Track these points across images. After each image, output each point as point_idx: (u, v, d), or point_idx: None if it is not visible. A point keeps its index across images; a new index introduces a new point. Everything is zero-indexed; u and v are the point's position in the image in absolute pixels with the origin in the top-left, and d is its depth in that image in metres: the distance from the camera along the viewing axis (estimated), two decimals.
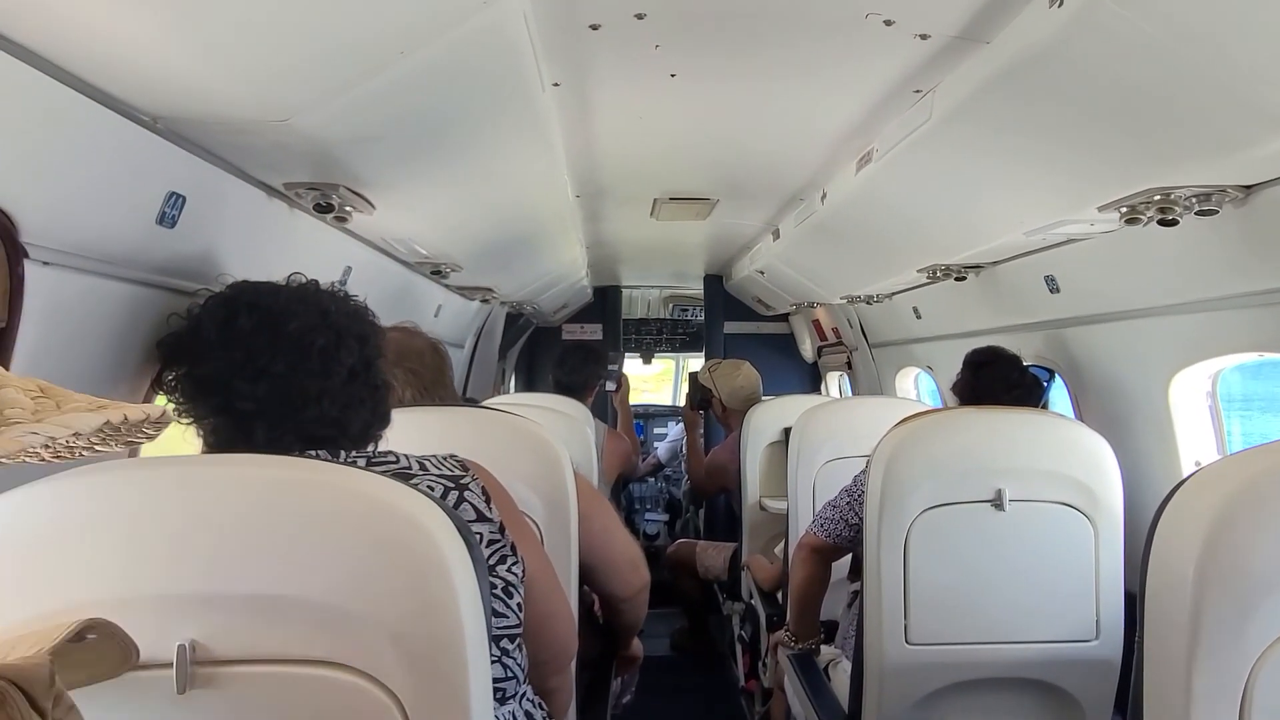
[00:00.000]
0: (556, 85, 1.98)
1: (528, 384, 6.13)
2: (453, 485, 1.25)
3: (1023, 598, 2.09)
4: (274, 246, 1.86)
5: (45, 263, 1.19)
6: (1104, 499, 2.09)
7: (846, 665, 2.40)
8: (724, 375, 4.22)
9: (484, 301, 4.12)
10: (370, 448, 1.31)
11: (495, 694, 1.23)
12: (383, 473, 1.15)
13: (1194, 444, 2.24)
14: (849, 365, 5.10)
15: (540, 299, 4.82)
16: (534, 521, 1.67)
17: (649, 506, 6.06)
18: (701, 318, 6.36)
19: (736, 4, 1.60)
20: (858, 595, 2.38)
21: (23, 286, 1.15)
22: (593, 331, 6.25)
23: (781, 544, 3.32)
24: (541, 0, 1.52)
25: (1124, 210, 1.72)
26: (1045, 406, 2.62)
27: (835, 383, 5.73)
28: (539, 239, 3.45)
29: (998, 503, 2.06)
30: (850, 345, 4.97)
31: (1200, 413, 2.22)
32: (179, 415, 1.23)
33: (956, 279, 2.88)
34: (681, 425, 5.27)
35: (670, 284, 6.79)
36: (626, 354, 6.33)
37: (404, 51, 1.31)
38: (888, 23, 1.61)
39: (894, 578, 2.08)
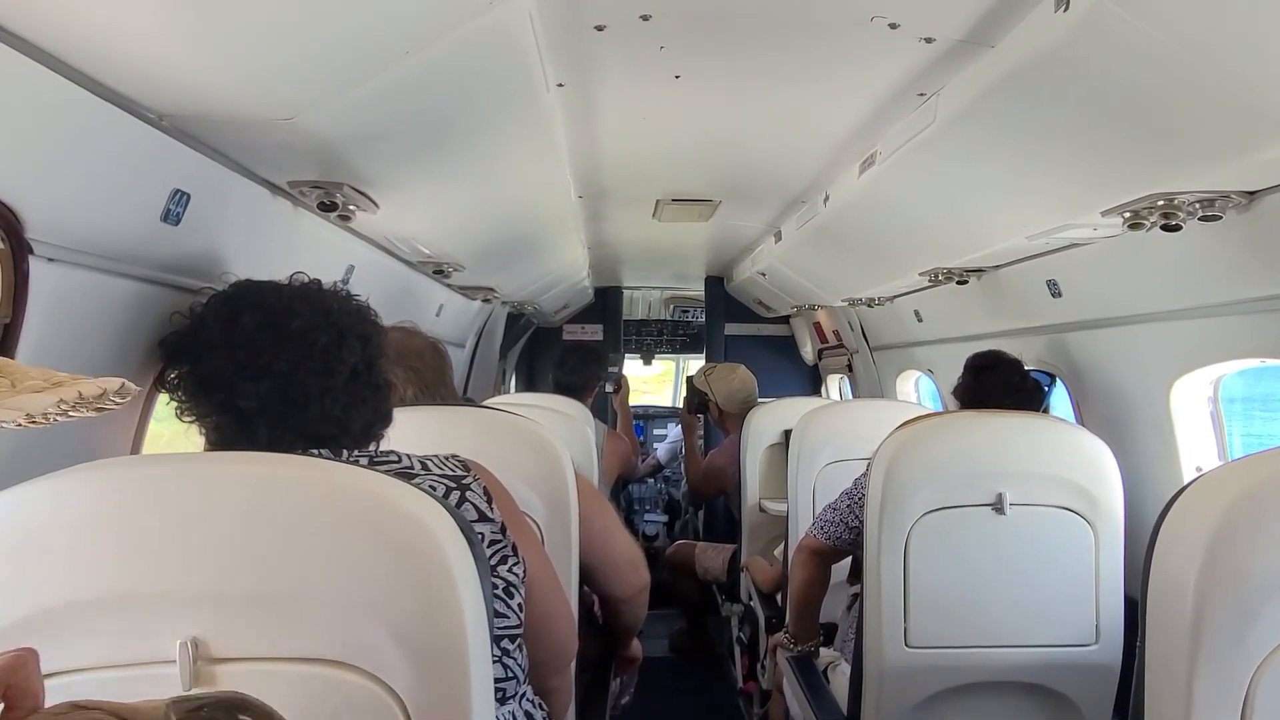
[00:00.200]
0: (561, 85, 1.98)
1: (528, 384, 6.13)
2: (455, 485, 1.25)
3: (1023, 602, 2.09)
4: (277, 245, 1.86)
5: (50, 259, 1.19)
6: (1104, 504, 2.09)
7: (845, 668, 2.40)
8: (719, 379, 4.24)
9: (485, 301, 4.12)
10: (372, 447, 1.31)
11: (495, 694, 1.23)
12: (385, 472, 1.15)
13: (1195, 450, 2.24)
14: (849, 368, 5.10)
15: (541, 299, 4.83)
16: (534, 521, 1.68)
17: (648, 507, 6.06)
18: (702, 319, 6.36)
19: (741, 6, 1.60)
20: (857, 598, 2.38)
21: (27, 283, 1.15)
22: (593, 332, 6.25)
23: (781, 546, 3.33)
24: (547, 0, 1.52)
25: (1127, 215, 1.72)
26: (1046, 411, 2.62)
27: (836, 385, 5.73)
28: (541, 239, 3.45)
29: (998, 506, 2.06)
30: (851, 348, 4.97)
31: (1201, 418, 2.22)
32: (181, 414, 1.24)
33: (958, 282, 2.88)
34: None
35: (671, 285, 6.78)
36: (627, 355, 6.34)
37: (409, 50, 1.31)
38: (893, 26, 1.61)
39: (894, 581, 2.08)
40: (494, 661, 1.14)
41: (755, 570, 3.49)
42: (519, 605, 1.28)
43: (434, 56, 1.36)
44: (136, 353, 1.43)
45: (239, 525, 0.92)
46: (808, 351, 5.93)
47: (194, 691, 0.65)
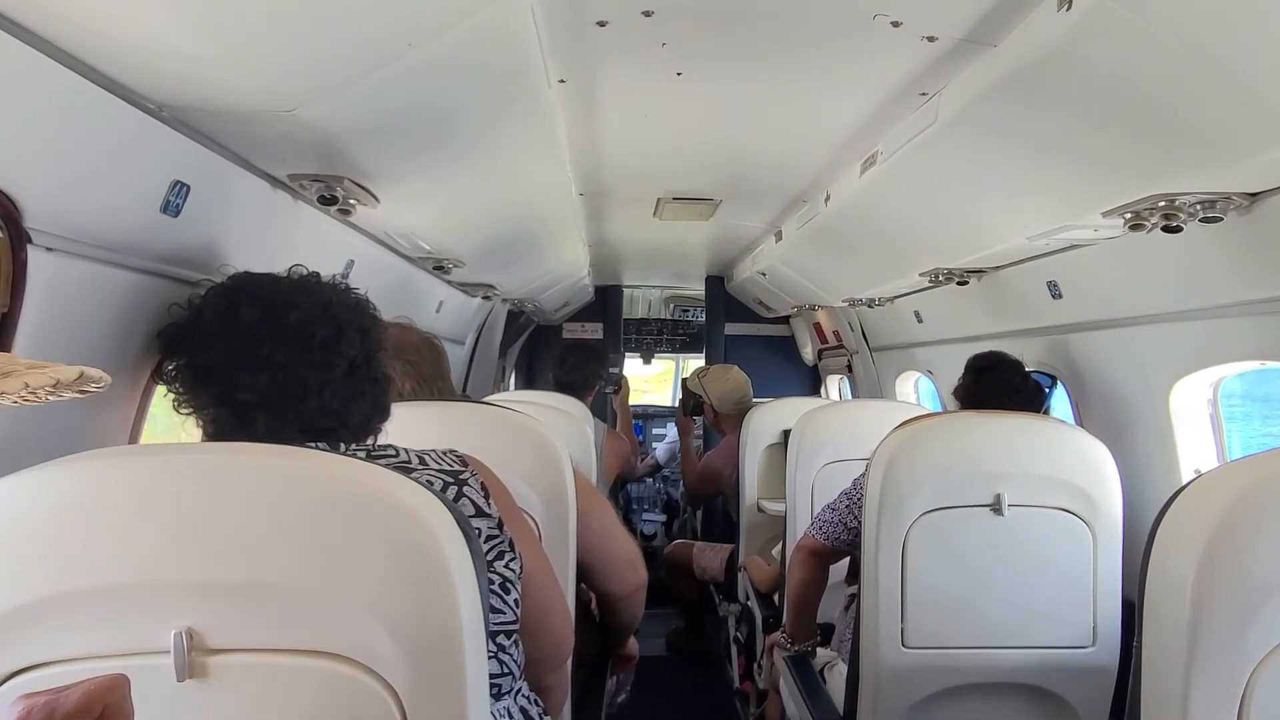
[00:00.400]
0: (562, 82, 1.98)
1: (527, 382, 6.14)
2: (452, 480, 1.24)
3: (1020, 603, 2.09)
4: (277, 238, 1.86)
5: (48, 249, 1.19)
6: (1103, 505, 2.09)
7: (842, 668, 2.40)
8: (713, 380, 4.25)
9: (485, 298, 4.12)
10: (370, 440, 1.31)
11: (491, 689, 1.22)
12: (382, 465, 1.15)
13: (1194, 452, 2.24)
14: (849, 368, 5.10)
15: (541, 297, 4.83)
16: (532, 518, 1.67)
17: (646, 507, 6.06)
18: (702, 319, 6.36)
19: (744, 4, 1.59)
20: (855, 598, 2.38)
21: (25, 272, 1.15)
22: (593, 330, 6.26)
23: (779, 546, 3.32)
24: None
25: (1128, 216, 1.72)
26: (1046, 412, 2.62)
27: (835, 386, 5.73)
28: (542, 237, 3.45)
29: (997, 507, 2.06)
30: (851, 348, 4.97)
31: (1201, 420, 2.22)
32: (178, 406, 1.23)
33: (959, 283, 2.88)
34: None
35: (671, 284, 6.79)
36: (626, 354, 6.34)
37: (411, 44, 1.31)
38: (895, 24, 1.60)
39: (891, 581, 2.07)
40: (490, 657, 1.14)
41: (753, 570, 3.49)
42: (515, 601, 1.28)
43: (436, 51, 1.36)
44: (134, 344, 1.43)
45: (235, 516, 0.92)
46: (807, 352, 5.94)
47: None
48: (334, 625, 0.91)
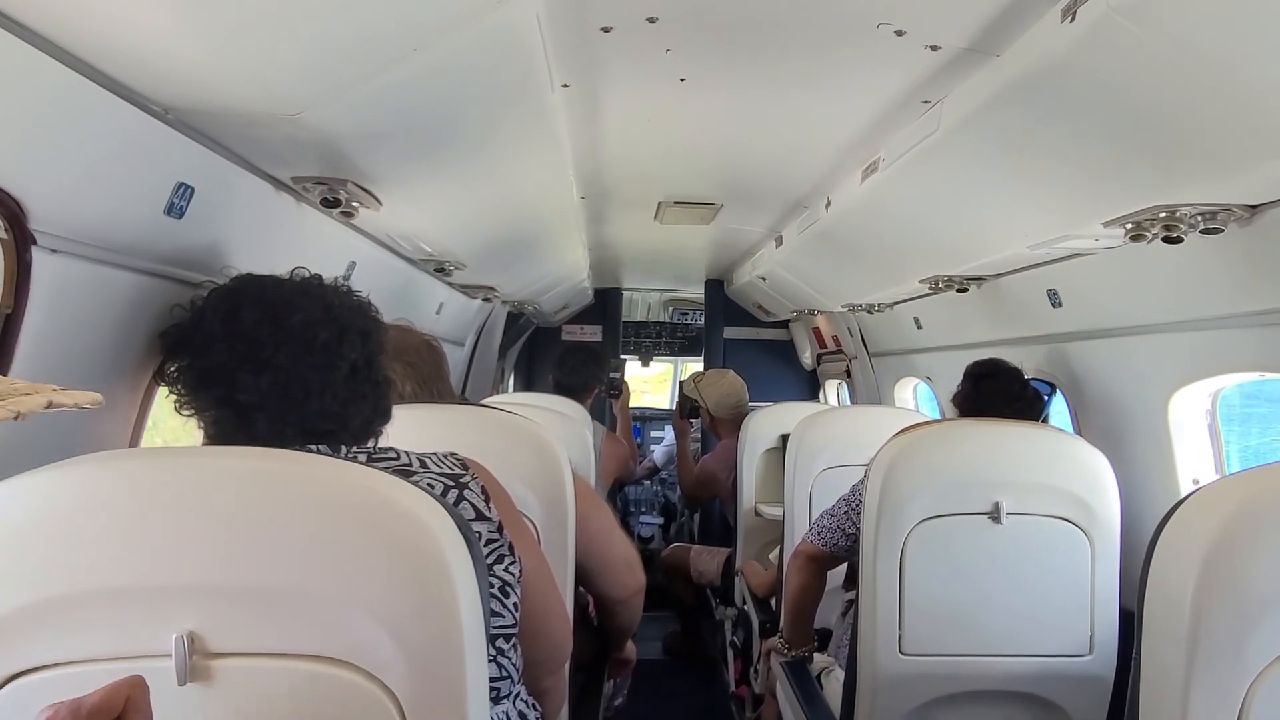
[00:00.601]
0: (566, 86, 1.98)
1: (526, 384, 6.14)
2: (453, 483, 1.24)
3: (1018, 611, 2.09)
4: (280, 240, 1.86)
5: (52, 250, 1.19)
6: (1101, 514, 2.10)
7: (839, 674, 2.40)
8: (709, 385, 4.27)
9: (486, 300, 4.12)
10: (371, 443, 1.31)
11: (490, 693, 1.22)
12: (383, 468, 1.15)
13: (1192, 462, 2.24)
14: (848, 374, 5.10)
15: (541, 299, 4.83)
16: (531, 521, 1.67)
17: (644, 510, 6.06)
18: (701, 322, 6.37)
19: (748, 11, 1.60)
20: (852, 604, 2.38)
21: (29, 273, 1.15)
22: (592, 333, 6.26)
23: (776, 550, 3.33)
24: (554, 1, 1.52)
25: (1129, 226, 1.72)
26: (1045, 420, 2.62)
27: (834, 391, 5.74)
28: (543, 239, 3.46)
29: (995, 515, 2.06)
30: (850, 354, 4.97)
31: (1199, 431, 2.22)
32: (180, 407, 1.23)
33: (958, 290, 2.88)
34: None
35: (671, 287, 6.79)
36: (625, 356, 6.35)
37: (417, 49, 1.31)
38: (899, 33, 1.61)
39: (889, 587, 2.08)
40: (489, 660, 1.14)
41: (750, 574, 3.49)
42: (514, 605, 1.28)
43: (441, 55, 1.36)
44: (137, 345, 1.43)
45: (236, 520, 0.92)
46: (806, 357, 5.94)
47: None
48: (335, 629, 0.92)
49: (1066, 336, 2.64)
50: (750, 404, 4.22)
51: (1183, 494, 2.17)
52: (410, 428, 1.44)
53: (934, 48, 1.66)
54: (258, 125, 1.38)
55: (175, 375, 1.22)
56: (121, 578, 0.90)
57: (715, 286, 5.95)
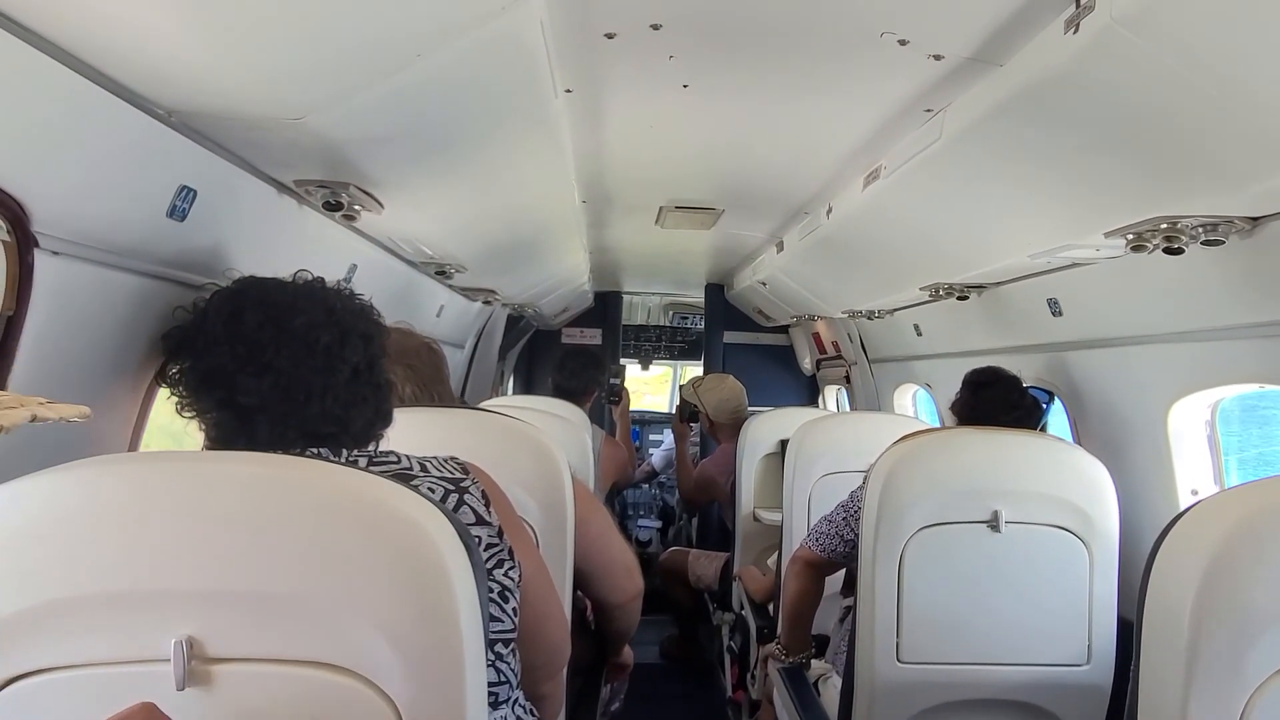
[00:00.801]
0: (569, 92, 1.99)
1: (526, 386, 6.14)
2: (453, 488, 1.24)
3: (1016, 620, 2.09)
4: (281, 242, 1.86)
5: (55, 252, 1.19)
6: (1100, 524, 2.10)
7: (837, 681, 2.40)
8: (708, 389, 4.28)
9: (486, 303, 4.13)
10: (372, 446, 1.31)
11: (488, 698, 1.22)
12: (384, 472, 1.15)
13: (1191, 473, 2.24)
14: (847, 379, 5.10)
15: (542, 302, 4.83)
16: (530, 525, 1.67)
17: (642, 513, 6.06)
18: (701, 326, 6.37)
19: (752, 18, 1.60)
20: (850, 611, 2.38)
21: (31, 276, 1.15)
22: (592, 336, 6.26)
23: (774, 556, 3.32)
24: (558, 8, 1.52)
25: (1130, 237, 1.72)
26: (1044, 429, 2.62)
27: (833, 396, 5.74)
28: (543, 243, 3.46)
29: (994, 524, 2.06)
30: (849, 359, 4.97)
31: (1198, 442, 2.22)
32: (181, 409, 1.23)
33: (959, 298, 2.88)
34: None
35: (671, 291, 6.80)
36: (624, 360, 6.35)
37: (420, 54, 1.31)
38: (902, 42, 1.61)
39: (888, 595, 2.08)
40: (487, 665, 1.14)
41: (748, 579, 3.49)
42: (514, 610, 1.28)
43: (444, 61, 1.36)
44: (137, 348, 1.43)
45: (236, 525, 0.92)
46: (806, 362, 5.94)
47: None
48: (334, 635, 0.92)
49: (1066, 345, 2.64)
50: (749, 409, 4.22)
51: (1182, 505, 2.18)
52: (410, 431, 1.44)
53: (937, 57, 1.66)
54: (261, 129, 1.38)
55: (177, 377, 1.22)
56: (121, 582, 0.90)
57: (716, 291, 5.96)
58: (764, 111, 2.13)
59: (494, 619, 1.23)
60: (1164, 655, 1.03)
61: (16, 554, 0.91)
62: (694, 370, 6.51)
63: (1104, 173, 1.61)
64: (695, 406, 4.28)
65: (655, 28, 1.63)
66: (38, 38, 1.02)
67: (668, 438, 6.19)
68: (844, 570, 2.55)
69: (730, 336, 6.06)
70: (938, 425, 3.49)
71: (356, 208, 1.83)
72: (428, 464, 1.27)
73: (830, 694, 2.39)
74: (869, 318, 3.94)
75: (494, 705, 1.26)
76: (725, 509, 4.16)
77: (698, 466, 4.38)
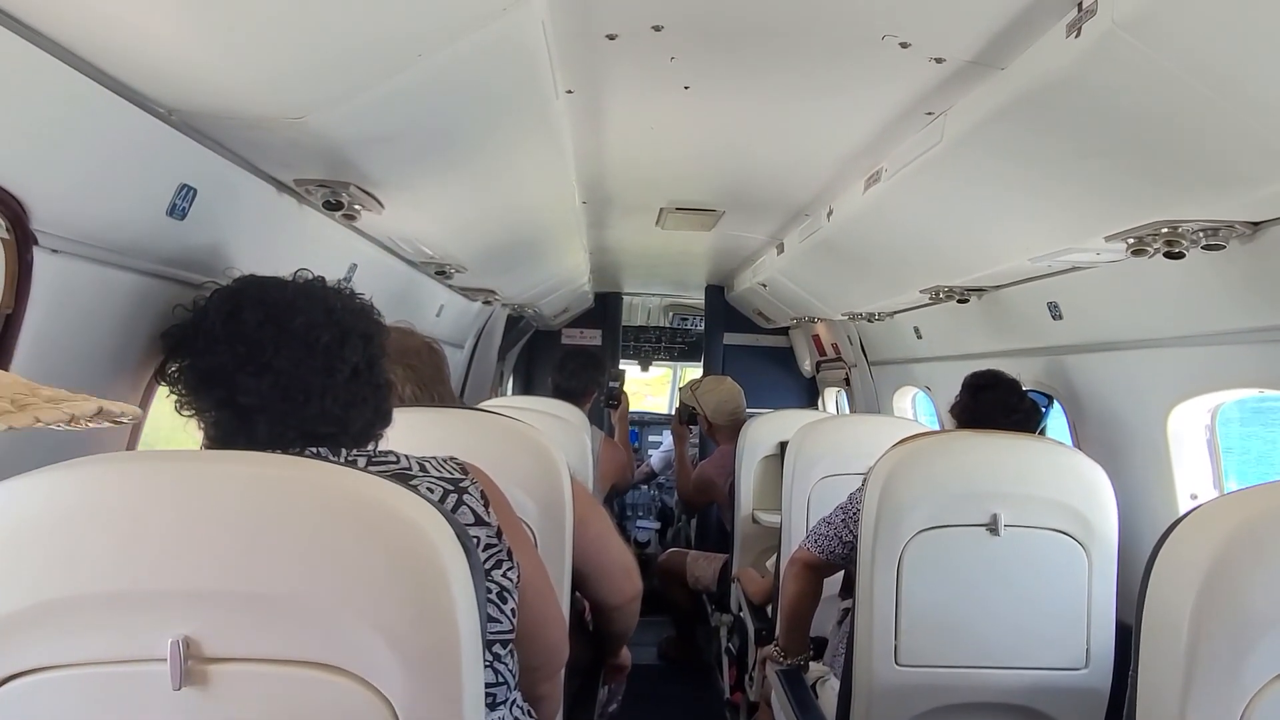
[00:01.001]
0: (570, 92, 1.99)
1: (525, 387, 6.14)
2: (452, 488, 1.24)
3: (1014, 623, 2.09)
4: (281, 241, 1.86)
5: (54, 250, 1.19)
6: (1099, 528, 2.10)
7: (834, 683, 2.40)
8: (706, 391, 4.28)
9: (486, 303, 4.13)
10: (371, 446, 1.30)
11: (486, 699, 1.22)
12: (383, 472, 1.15)
13: (1191, 477, 2.24)
14: (847, 381, 5.10)
15: (542, 303, 4.83)
16: (529, 526, 1.67)
17: (641, 514, 6.05)
18: (701, 327, 6.37)
19: (754, 21, 1.60)
20: (848, 613, 2.38)
21: (30, 274, 1.15)
22: (592, 337, 6.26)
23: (773, 558, 3.32)
24: (560, 9, 1.52)
25: (1131, 241, 1.73)
26: (1043, 432, 2.62)
27: (833, 399, 5.74)
28: (544, 244, 3.46)
29: (993, 527, 2.06)
30: (849, 362, 4.97)
31: (1198, 446, 2.22)
32: (180, 408, 1.23)
33: (959, 301, 2.88)
34: None
35: (671, 293, 6.80)
36: (623, 360, 6.35)
37: (421, 55, 1.31)
38: (903, 45, 1.61)
39: (886, 598, 2.08)
40: (485, 666, 1.13)
41: (746, 581, 3.49)
42: (512, 610, 1.28)
43: (446, 61, 1.36)
44: (137, 346, 1.43)
45: (234, 525, 0.92)
46: (806, 364, 5.94)
47: None
48: (331, 636, 0.91)
49: (1067, 349, 2.64)
50: (749, 410, 4.22)
51: (1181, 509, 2.18)
52: (409, 431, 1.44)
53: (938, 60, 1.66)
54: (261, 128, 1.38)
55: (176, 375, 1.22)
56: (119, 581, 0.90)
57: (716, 292, 5.96)
58: (765, 113, 2.12)
59: (492, 620, 1.23)
60: (1163, 659, 1.03)
61: (14, 552, 0.91)
62: (694, 372, 6.51)
63: (1105, 176, 1.61)
64: (694, 408, 4.28)
65: (656, 29, 1.63)
66: (38, 36, 1.02)
67: (667, 439, 6.19)
68: (842, 572, 2.55)
69: (730, 338, 6.06)
70: (937, 428, 3.49)
71: (357, 207, 1.83)
72: (427, 464, 1.26)
73: (828, 696, 2.39)
74: (869, 320, 3.94)
75: (492, 706, 1.26)
76: (724, 510, 4.16)
77: (696, 468, 4.39)
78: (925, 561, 2.07)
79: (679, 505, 5.59)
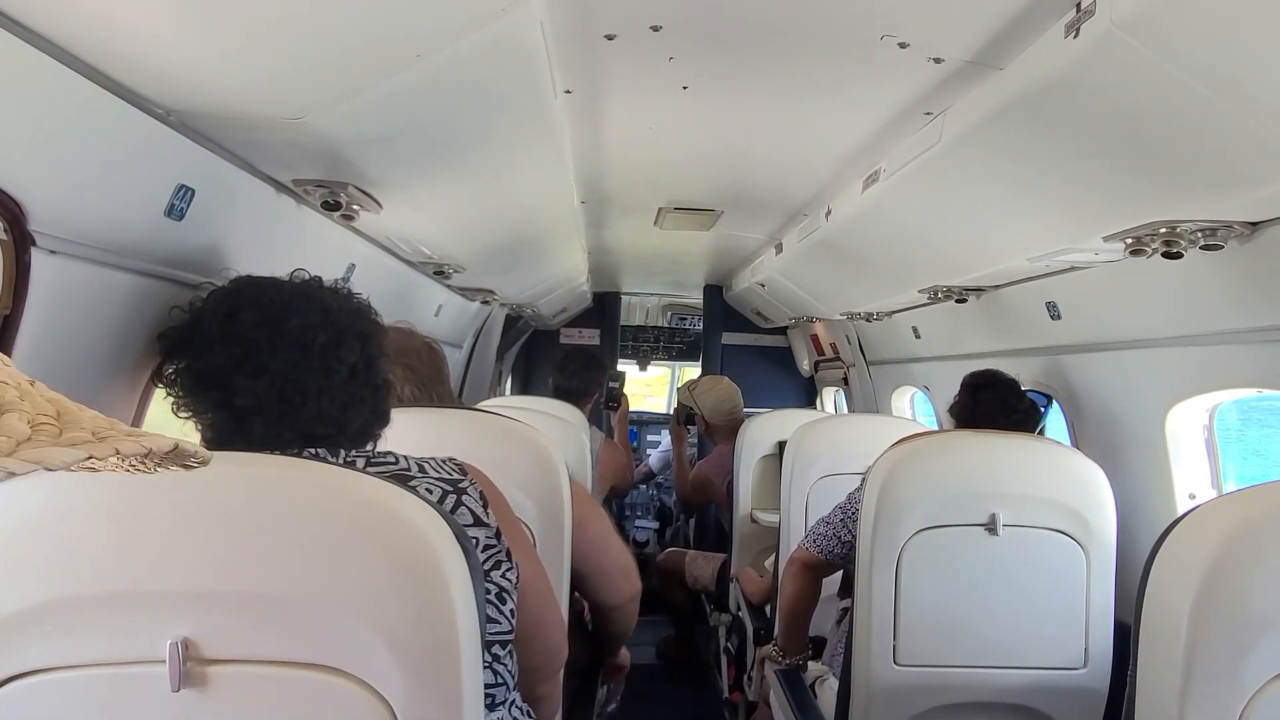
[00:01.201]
0: (568, 93, 1.98)
1: (524, 386, 6.13)
2: (451, 489, 1.24)
3: (1013, 623, 2.09)
4: (280, 242, 1.86)
5: (52, 251, 1.19)
6: (1097, 527, 2.10)
7: (833, 683, 2.40)
8: (704, 391, 4.29)
9: (484, 303, 4.13)
10: (369, 447, 1.30)
11: (485, 700, 1.22)
12: (381, 473, 1.15)
13: (1189, 477, 2.24)
14: (845, 381, 5.10)
15: (540, 302, 4.83)
16: (528, 527, 1.67)
17: (640, 514, 6.05)
18: (699, 327, 6.37)
19: (752, 21, 1.60)
20: (847, 612, 2.38)
21: (28, 274, 1.15)
22: (590, 337, 6.26)
23: (771, 557, 3.32)
24: (559, 9, 1.52)
25: (1129, 241, 1.73)
26: (1042, 432, 2.62)
27: (831, 398, 5.74)
28: (542, 243, 3.46)
29: (991, 527, 2.06)
30: (848, 361, 4.97)
31: (1196, 446, 2.23)
32: (177, 409, 1.23)
33: (957, 301, 2.89)
34: None
35: (670, 292, 6.79)
36: (622, 360, 6.35)
37: (420, 55, 1.31)
38: (902, 45, 1.61)
39: (885, 597, 2.08)
40: (485, 667, 1.13)
41: (745, 581, 3.49)
42: (511, 611, 1.27)
43: (444, 61, 1.36)
44: (134, 347, 1.43)
45: (233, 526, 0.92)
46: (804, 364, 5.94)
47: None
48: (330, 637, 0.91)
49: (1065, 348, 2.64)
50: (747, 410, 4.22)
51: (1179, 509, 2.18)
52: (408, 432, 1.43)
53: (937, 60, 1.66)
54: (259, 128, 1.38)
55: (173, 376, 1.22)
56: (118, 583, 0.90)
57: (714, 292, 5.96)
58: (763, 113, 2.12)
59: (491, 620, 1.23)
60: (1162, 659, 1.03)
61: (14, 553, 0.91)
62: (692, 371, 6.51)
63: (1103, 177, 1.61)
64: (692, 408, 4.28)
65: (655, 29, 1.63)
66: (36, 36, 1.02)
67: (665, 439, 6.18)
68: (841, 572, 2.55)
69: (728, 338, 6.06)
70: (936, 428, 3.49)
71: (355, 207, 1.83)
72: (425, 465, 1.26)
73: (827, 696, 2.39)
74: (867, 320, 3.94)
75: (491, 707, 1.26)
76: (722, 510, 4.16)
77: (694, 468, 4.39)
78: (924, 561, 2.07)
79: (677, 505, 5.59)
